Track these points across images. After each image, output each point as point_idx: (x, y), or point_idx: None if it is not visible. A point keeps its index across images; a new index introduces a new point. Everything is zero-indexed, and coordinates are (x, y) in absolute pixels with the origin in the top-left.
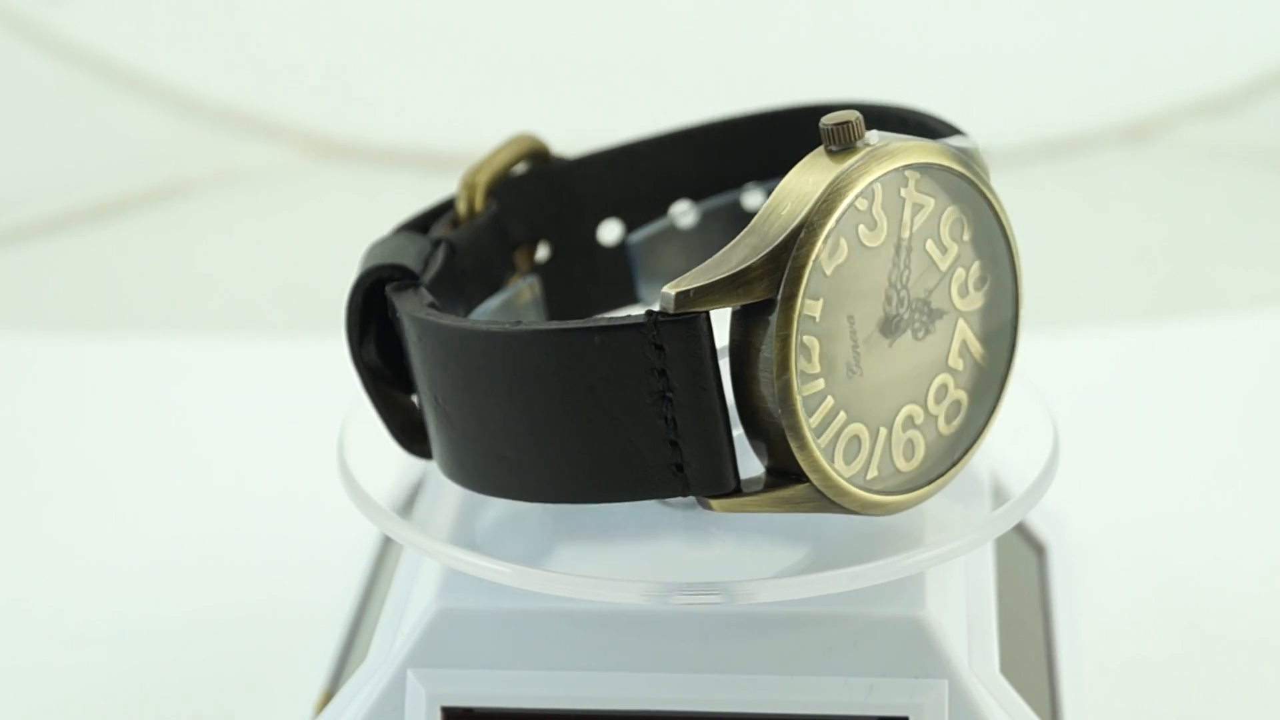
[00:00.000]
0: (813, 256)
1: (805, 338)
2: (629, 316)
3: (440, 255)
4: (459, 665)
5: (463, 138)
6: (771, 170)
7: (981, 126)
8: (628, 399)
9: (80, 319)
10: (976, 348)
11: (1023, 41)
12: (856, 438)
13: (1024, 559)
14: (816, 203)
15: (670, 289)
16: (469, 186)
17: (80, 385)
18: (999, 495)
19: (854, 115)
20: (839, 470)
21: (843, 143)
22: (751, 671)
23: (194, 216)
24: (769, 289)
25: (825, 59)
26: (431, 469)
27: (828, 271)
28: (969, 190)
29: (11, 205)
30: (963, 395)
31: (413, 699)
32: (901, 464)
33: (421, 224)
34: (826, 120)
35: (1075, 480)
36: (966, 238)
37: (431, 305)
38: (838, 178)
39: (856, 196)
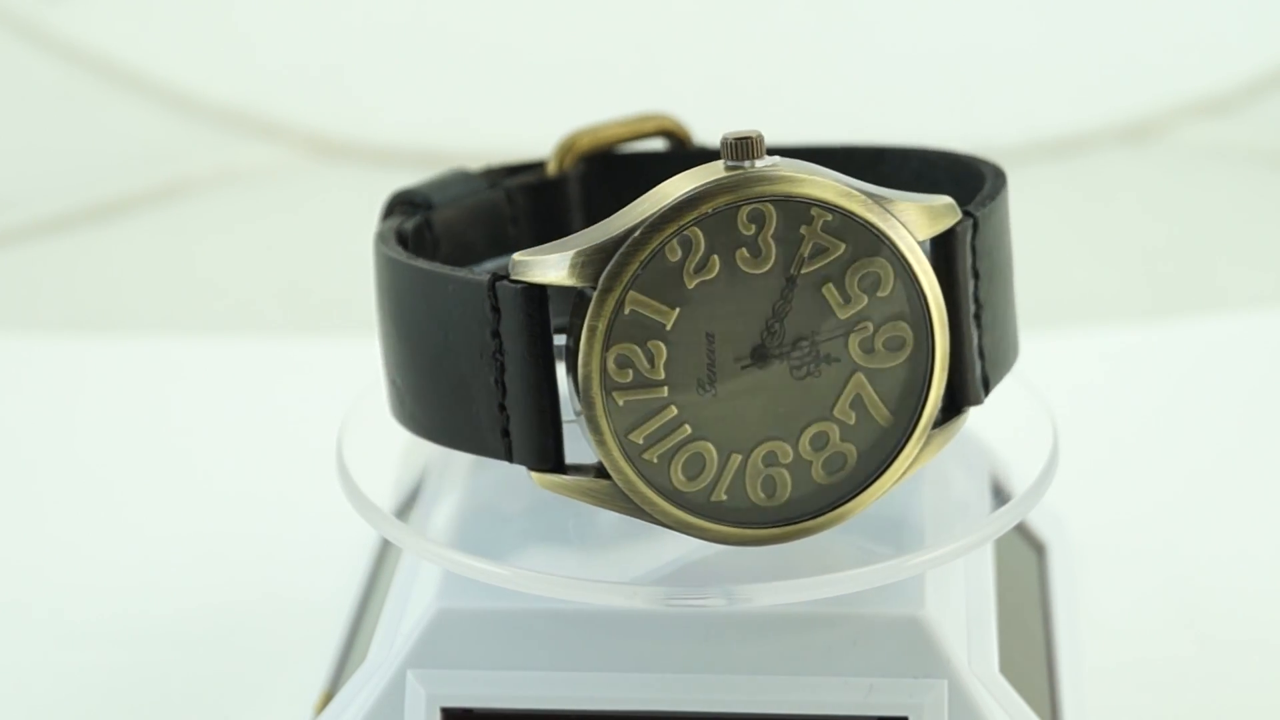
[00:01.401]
0: (640, 258)
1: (652, 342)
2: (483, 272)
3: (485, 197)
4: (459, 666)
5: (463, 138)
6: None
7: (981, 126)
8: (470, 354)
9: (80, 319)
10: (879, 408)
11: (1022, 41)
12: (701, 455)
13: (1024, 558)
14: (665, 208)
15: (516, 255)
16: (562, 146)
17: (80, 385)
18: (999, 495)
19: (755, 134)
20: (677, 483)
21: (736, 158)
22: (751, 671)
23: (194, 217)
24: (590, 278)
25: (825, 59)
26: (430, 468)
27: (689, 284)
28: (886, 249)
29: (11, 205)
30: (850, 450)
31: (412, 699)
32: (757, 498)
33: (507, 169)
34: (729, 134)
35: (1075, 479)
36: (882, 294)
37: (399, 232)
38: (700, 187)
39: (729, 214)
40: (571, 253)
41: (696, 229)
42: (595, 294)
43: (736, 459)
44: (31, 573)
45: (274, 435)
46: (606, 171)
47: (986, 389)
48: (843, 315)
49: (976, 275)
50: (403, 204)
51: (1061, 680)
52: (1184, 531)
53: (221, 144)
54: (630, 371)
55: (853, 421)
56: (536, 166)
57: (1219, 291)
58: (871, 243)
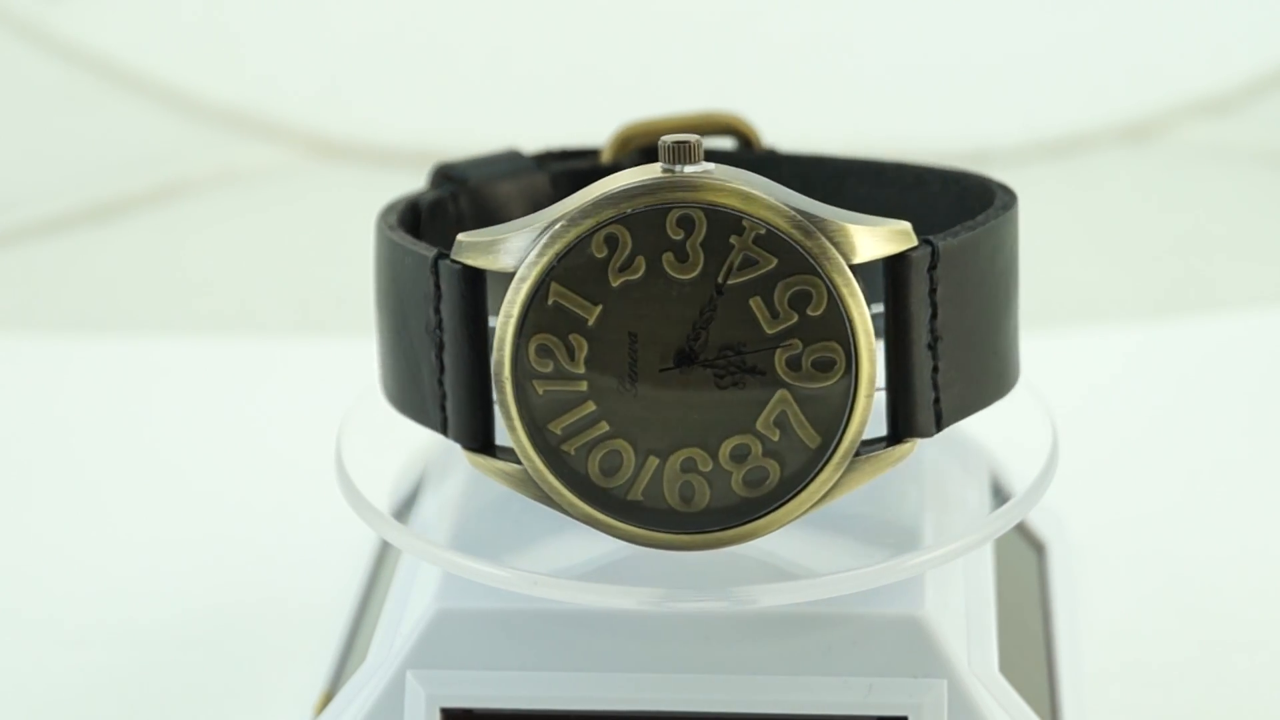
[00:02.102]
0: (557, 249)
1: (573, 336)
2: (433, 248)
3: (530, 178)
4: (458, 666)
5: (462, 138)
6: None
7: (981, 126)
8: (418, 328)
9: (80, 319)
10: (806, 429)
11: (1023, 42)
12: (618, 453)
13: (1024, 558)
14: (585, 203)
15: (460, 235)
16: (620, 136)
17: (79, 386)
18: (998, 495)
19: (694, 139)
20: (595, 478)
21: (670, 161)
22: (751, 671)
23: (194, 217)
24: (513, 265)
25: (826, 59)
26: (430, 469)
27: (613, 282)
28: (815, 269)
29: (11, 205)
30: (774, 466)
31: (412, 700)
32: (674, 502)
33: (560, 154)
34: (667, 138)
35: (1076, 479)
36: (814, 313)
37: (415, 202)
38: (622, 187)
39: (657, 217)
40: (497, 238)
41: (623, 228)
42: (513, 281)
43: (654, 461)
44: (30, 576)
45: (274, 436)
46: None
47: (940, 422)
48: (770, 330)
49: (935, 304)
50: (441, 176)
51: (1061, 680)
52: (1184, 531)
53: (221, 144)
54: (550, 362)
55: (776, 438)
56: (591, 154)
57: (1220, 291)
58: (801, 260)
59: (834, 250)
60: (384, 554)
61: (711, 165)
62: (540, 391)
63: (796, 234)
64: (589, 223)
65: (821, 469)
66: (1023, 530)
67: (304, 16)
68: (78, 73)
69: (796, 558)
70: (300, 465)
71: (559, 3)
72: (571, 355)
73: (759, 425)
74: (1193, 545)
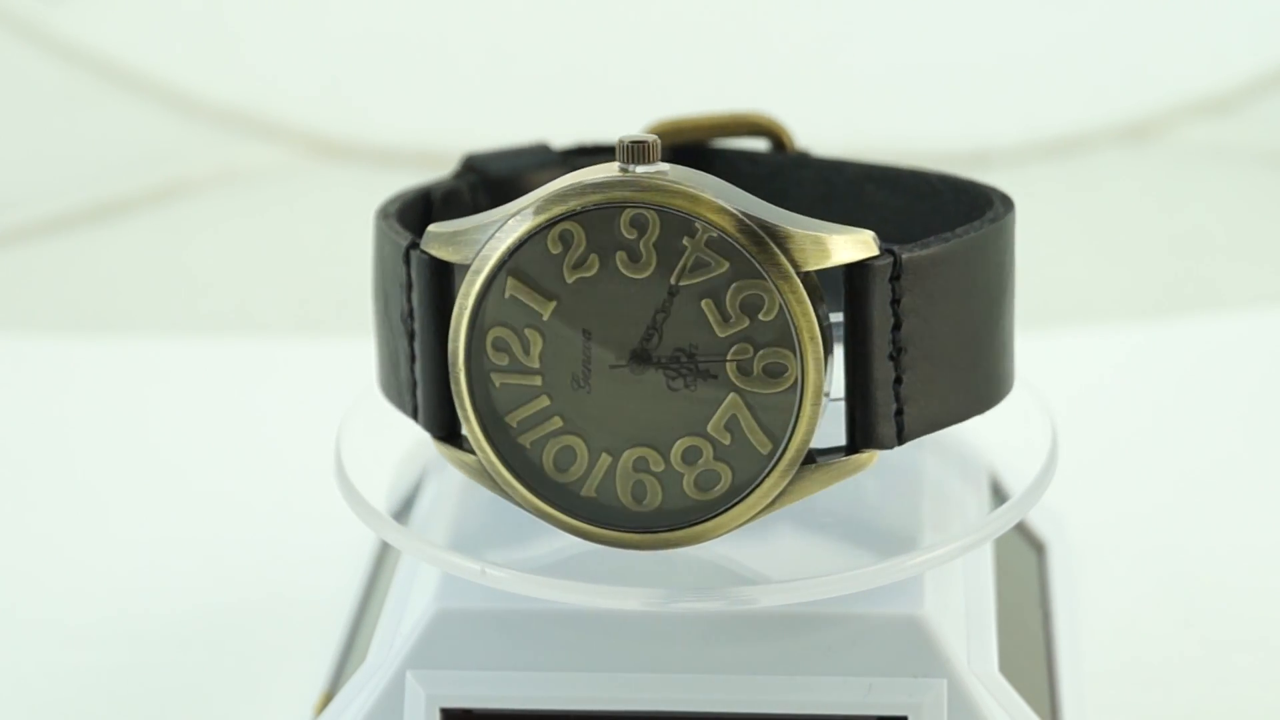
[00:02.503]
0: (508, 244)
1: (528, 330)
2: (409, 237)
3: (553, 172)
4: (458, 666)
5: (463, 138)
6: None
7: (981, 126)
8: (396, 314)
9: (80, 320)
10: (758, 434)
11: (1023, 41)
12: (571, 449)
13: (1024, 557)
14: (537, 199)
15: (431, 225)
16: (644, 130)
17: (79, 386)
18: (998, 494)
19: (651, 139)
20: (549, 472)
21: (625, 160)
22: (750, 671)
23: (194, 217)
24: (468, 258)
25: (826, 60)
26: (429, 470)
27: (567, 279)
28: (764, 275)
29: (11, 205)
30: (725, 470)
31: (412, 700)
32: (627, 500)
33: (588, 149)
34: (625, 136)
35: (1076, 478)
36: (765, 318)
37: (429, 191)
38: (571, 185)
39: (610, 215)
40: (460, 230)
41: (576, 225)
42: (468, 273)
43: (607, 459)
44: (30, 576)
45: (274, 436)
46: (694, 163)
47: (903, 435)
48: (721, 334)
49: (898, 315)
50: (466, 166)
51: (1061, 679)
52: (1184, 531)
53: (221, 144)
54: (507, 355)
55: (728, 442)
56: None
57: (1219, 291)
58: (751, 265)
59: (781, 256)
60: (384, 554)
61: (667, 166)
62: (498, 384)
63: (743, 239)
64: (541, 218)
65: (766, 476)
66: (1023, 530)
67: (304, 16)
68: (78, 73)
69: (796, 558)
70: (300, 465)
71: (559, 2)
72: (526, 349)
73: (710, 428)
74: (1193, 545)
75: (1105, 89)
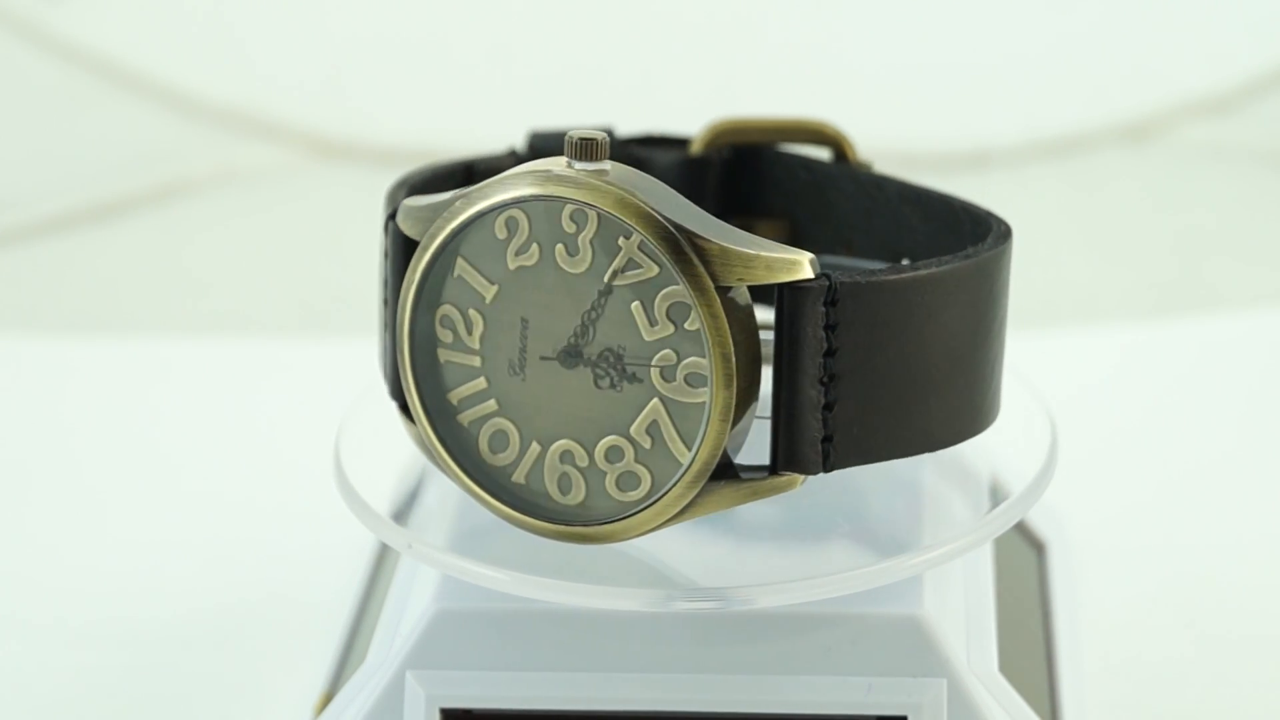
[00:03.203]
0: (453, 225)
1: (472, 311)
2: (394, 208)
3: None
4: (458, 666)
5: (463, 138)
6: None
7: (981, 126)
8: (381, 282)
9: (80, 320)
10: (676, 442)
11: (1023, 41)
12: (505, 434)
13: (1023, 557)
14: (483, 185)
15: (407, 199)
16: (713, 129)
17: (79, 387)
18: (997, 494)
19: (600, 136)
20: (484, 453)
21: (572, 156)
22: (750, 671)
23: (194, 217)
24: (419, 234)
25: (826, 59)
26: (430, 470)
27: (510, 264)
28: (681, 285)
29: (11, 205)
30: (644, 473)
31: (411, 700)
32: (553, 491)
33: (649, 139)
34: (575, 132)
35: (1075, 478)
36: (690, 327)
37: (468, 165)
38: (514, 174)
39: (555, 208)
40: (422, 205)
41: (522, 213)
42: (417, 249)
43: (536, 448)
44: (30, 576)
45: (274, 436)
46: (753, 164)
47: (829, 462)
48: (648, 338)
49: (830, 342)
50: (529, 143)
51: (1061, 679)
52: (1184, 530)
53: (221, 144)
54: (451, 334)
55: (648, 446)
56: (681, 142)
57: (1219, 291)
58: (672, 276)
59: (700, 268)
60: (384, 554)
61: (609, 165)
62: (443, 360)
63: (664, 247)
64: (485, 204)
65: (673, 487)
66: (1022, 530)
67: (304, 16)
68: (78, 73)
69: (795, 558)
70: (300, 465)
71: (559, 2)
72: (469, 330)
73: (633, 431)
74: (1192, 544)
75: (1105, 89)
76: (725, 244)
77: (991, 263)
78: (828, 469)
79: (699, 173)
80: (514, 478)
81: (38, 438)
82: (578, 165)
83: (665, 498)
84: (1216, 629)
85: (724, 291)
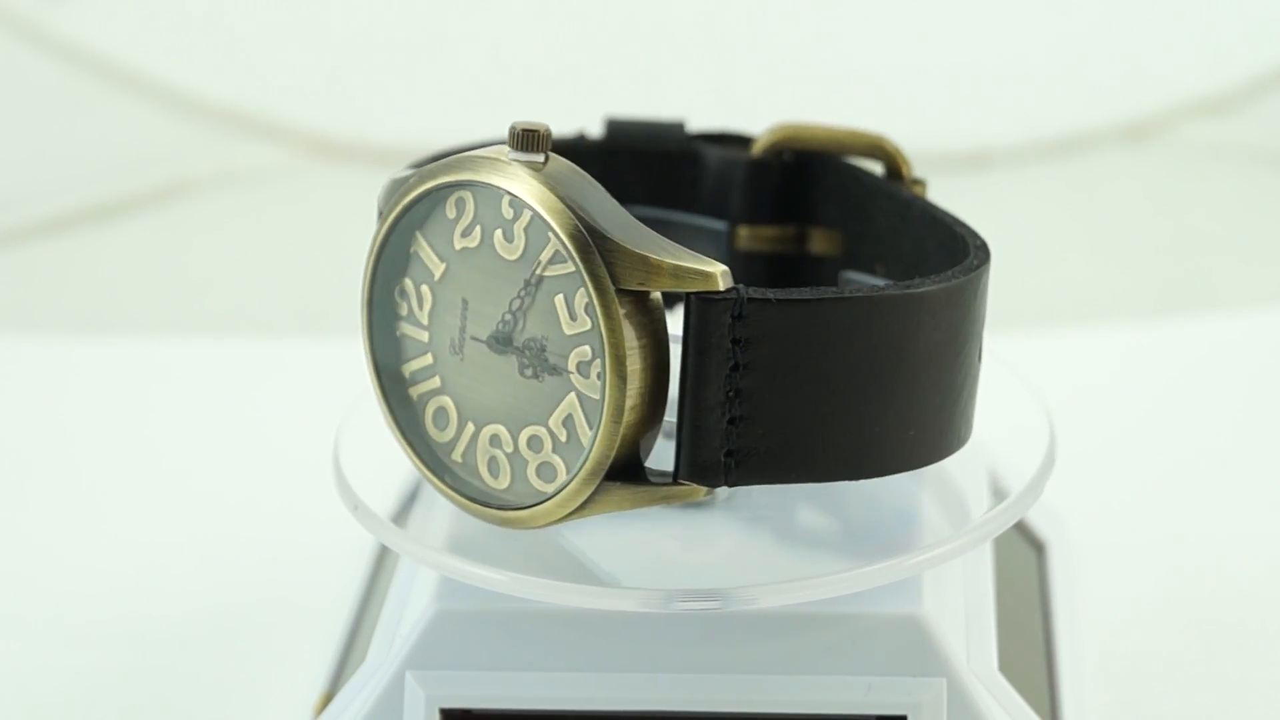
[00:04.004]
0: (404, 202)
1: (424, 287)
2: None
3: (672, 148)
4: (457, 667)
5: (462, 138)
6: None
7: (981, 126)
8: None
9: (79, 320)
10: (585, 436)
11: (1023, 41)
12: (445, 411)
13: (1023, 556)
14: (435, 165)
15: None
16: (776, 131)
17: (79, 387)
18: (997, 493)
19: (541, 129)
20: (428, 428)
21: (515, 147)
22: (750, 671)
23: (194, 217)
24: (382, 209)
25: (826, 58)
26: None
27: (456, 245)
28: (593, 287)
29: (11, 206)
30: (560, 465)
31: (411, 700)
32: (484, 473)
33: (714, 136)
34: (518, 123)
35: (1075, 478)
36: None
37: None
38: (460, 158)
39: (496, 195)
40: (396, 178)
41: (470, 195)
42: (379, 219)
43: (471, 428)
44: (29, 576)
45: (274, 437)
46: (814, 172)
47: (731, 476)
48: (568, 332)
49: (737, 357)
50: (606, 129)
51: (1061, 678)
52: (1184, 530)
53: (221, 144)
54: (406, 306)
55: (564, 439)
56: (743, 141)
57: (1218, 291)
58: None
59: (603, 269)
60: (384, 554)
61: (543, 158)
62: (399, 332)
63: (572, 245)
64: (434, 183)
65: (569, 483)
66: (1022, 529)
67: (304, 16)
68: (78, 73)
69: (795, 558)
70: (300, 466)
71: (560, 2)
72: (420, 304)
73: (551, 422)
74: (1192, 544)
75: (1105, 89)
76: (632, 248)
77: (931, 297)
78: (730, 484)
79: (759, 175)
80: (453, 455)
81: (37, 438)
82: (515, 155)
83: (564, 492)
84: (1217, 628)
85: (629, 295)
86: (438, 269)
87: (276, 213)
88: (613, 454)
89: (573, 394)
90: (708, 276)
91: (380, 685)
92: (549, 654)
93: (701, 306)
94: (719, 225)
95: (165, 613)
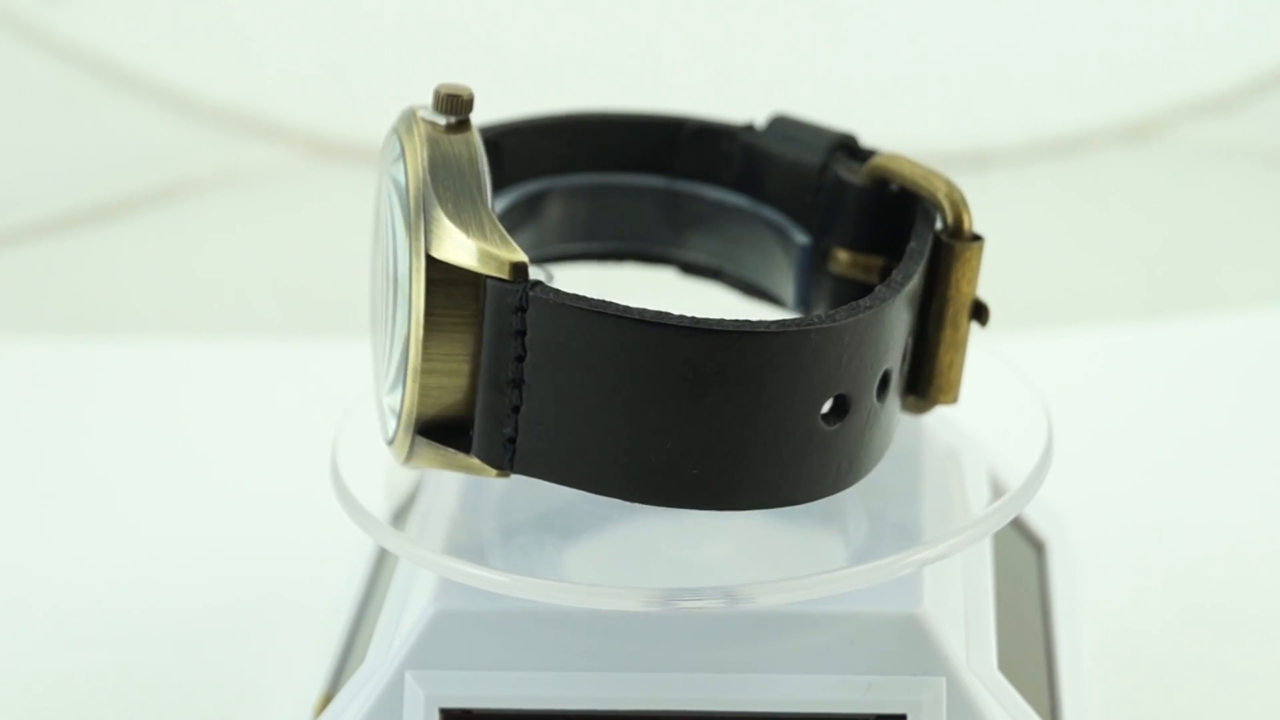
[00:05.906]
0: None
1: (381, 214)
2: None
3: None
4: (457, 667)
5: None
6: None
7: (981, 126)
8: None
9: (81, 320)
10: (402, 389)
11: (1023, 41)
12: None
13: (1023, 556)
14: (403, 111)
15: None
16: (884, 154)
17: (81, 387)
18: (996, 492)
19: (463, 91)
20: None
21: (435, 108)
22: (750, 671)
23: (195, 217)
24: None
25: (826, 57)
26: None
27: (383, 184)
28: (410, 248)
29: (12, 206)
30: (392, 414)
31: (411, 700)
32: (386, 425)
33: (842, 142)
34: (442, 85)
35: (1074, 477)
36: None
37: (681, 120)
38: (404, 109)
39: (394, 143)
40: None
41: (395, 139)
42: None
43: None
44: (33, 573)
45: (274, 437)
46: (889, 200)
47: (514, 463)
48: (403, 287)
49: (519, 348)
50: (771, 125)
51: (1061, 677)
52: (1183, 527)
53: (221, 144)
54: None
55: (396, 389)
56: (856, 152)
57: (1217, 290)
58: None
59: (420, 234)
60: (383, 555)
61: (448, 121)
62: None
63: (411, 204)
64: (390, 127)
65: (397, 432)
66: (1022, 529)
67: (304, 17)
68: (78, 73)
69: (795, 557)
70: (300, 466)
71: (560, 2)
72: (377, 236)
73: (393, 369)
74: (1191, 541)
75: (1105, 89)
76: (451, 221)
77: (731, 336)
78: (509, 470)
79: (868, 201)
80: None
81: (37, 438)
82: (429, 115)
83: (396, 440)
84: (1216, 627)
85: (443, 264)
86: (380, 205)
87: (278, 214)
88: (415, 411)
89: (400, 347)
90: (501, 263)
91: (380, 685)
92: (549, 654)
93: (493, 293)
94: (801, 238)
95: (165, 613)
